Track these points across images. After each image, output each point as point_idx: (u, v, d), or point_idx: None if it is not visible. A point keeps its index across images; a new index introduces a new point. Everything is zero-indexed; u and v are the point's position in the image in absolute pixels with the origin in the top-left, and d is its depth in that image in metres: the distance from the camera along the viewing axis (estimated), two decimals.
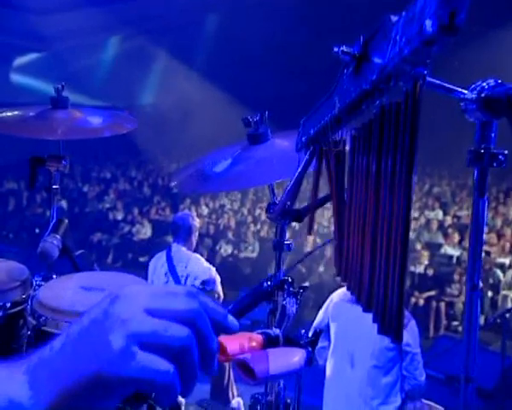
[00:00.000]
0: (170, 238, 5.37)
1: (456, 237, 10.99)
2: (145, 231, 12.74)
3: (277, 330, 1.76)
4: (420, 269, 9.97)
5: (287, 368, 1.61)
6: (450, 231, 11.43)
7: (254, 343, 1.69)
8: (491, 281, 9.52)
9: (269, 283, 0.86)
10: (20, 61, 17.92)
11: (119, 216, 13.58)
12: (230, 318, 0.80)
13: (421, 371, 3.60)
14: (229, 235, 12.07)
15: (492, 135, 1.15)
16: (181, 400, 4.62)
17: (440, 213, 12.95)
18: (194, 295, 0.75)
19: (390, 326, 1.04)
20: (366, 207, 1.17)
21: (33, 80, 16.87)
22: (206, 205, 13.90)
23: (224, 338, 1.73)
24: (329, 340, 3.74)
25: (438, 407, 3.93)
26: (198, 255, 5.15)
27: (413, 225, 11.91)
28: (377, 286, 1.09)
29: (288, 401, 2.02)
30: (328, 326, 3.73)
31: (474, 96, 1.13)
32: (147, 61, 18.29)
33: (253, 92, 13.50)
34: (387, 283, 1.05)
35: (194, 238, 5.14)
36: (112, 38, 18.78)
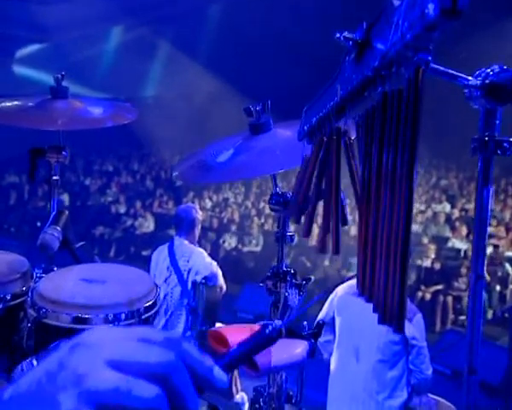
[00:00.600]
0: (173, 232, 5.36)
1: (464, 231, 10.91)
2: (148, 225, 12.73)
3: (279, 322, 1.75)
4: (427, 263, 9.90)
5: (289, 360, 1.60)
6: (457, 224, 11.35)
7: None
8: (499, 275, 9.47)
9: (271, 327, 0.82)
10: (22, 52, 17.88)
11: (122, 209, 13.57)
12: (217, 371, 0.67)
13: (427, 365, 3.57)
14: (233, 228, 12.05)
15: (497, 122, 1.14)
16: None
17: (448, 206, 12.89)
18: (172, 342, 0.64)
19: (391, 316, 1.02)
20: (368, 196, 1.15)
21: (35, 72, 16.84)
22: (210, 198, 13.89)
23: (224, 330, 1.73)
24: (334, 334, 3.72)
25: (445, 401, 3.91)
26: (200, 249, 5.13)
27: (420, 218, 11.86)
28: (379, 275, 1.07)
29: (291, 393, 2.01)
30: (332, 320, 3.71)
31: (478, 82, 1.11)
32: (149, 52, 18.23)
33: (256, 83, 13.45)
34: (389, 272, 1.03)
35: (197, 231, 5.12)
36: (114, 28, 18.72)
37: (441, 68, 1.12)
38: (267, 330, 0.88)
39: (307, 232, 1.49)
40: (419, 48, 0.95)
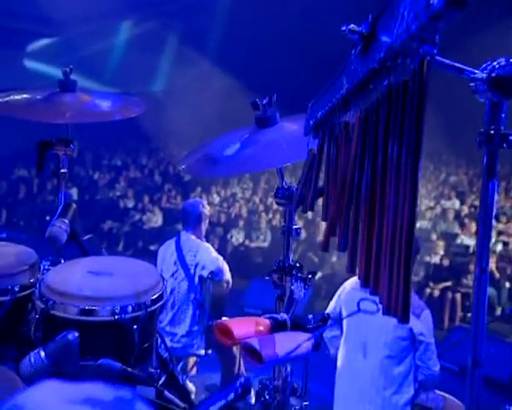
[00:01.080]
0: (180, 226, 5.36)
1: (473, 227, 10.78)
2: (156, 220, 12.77)
3: (285, 315, 1.76)
4: (435, 259, 9.84)
5: (294, 352, 1.61)
6: (466, 220, 11.27)
7: (261, 327, 1.70)
8: (508, 272, 9.41)
9: (243, 379, 0.78)
10: (31, 46, 17.95)
11: (130, 204, 13.61)
12: None
13: (434, 361, 3.55)
14: (241, 224, 12.06)
15: (503, 115, 1.14)
16: (191, 388, 4.64)
17: (457, 203, 12.82)
18: (123, 403, 0.57)
19: (396, 307, 1.02)
20: (373, 187, 1.15)
21: (44, 66, 16.91)
22: (218, 193, 13.90)
23: (230, 322, 1.73)
24: (341, 329, 3.71)
25: (452, 398, 3.90)
26: (207, 244, 5.13)
27: (429, 214, 11.82)
28: (383, 267, 1.07)
29: (295, 385, 2.02)
30: (340, 315, 3.70)
31: (484, 75, 1.11)
32: (158, 46, 18.25)
33: (264, 78, 13.44)
34: (393, 263, 1.03)
35: (204, 226, 5.12)
36: (122, 23, 18.74)
37: (447, 61, 1.12)
38: (230, 397, 0.81)
39: (326, 246, 1.48)
40: (424, 39, 0.96)
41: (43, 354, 1.87)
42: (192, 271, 4.86)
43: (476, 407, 1.19)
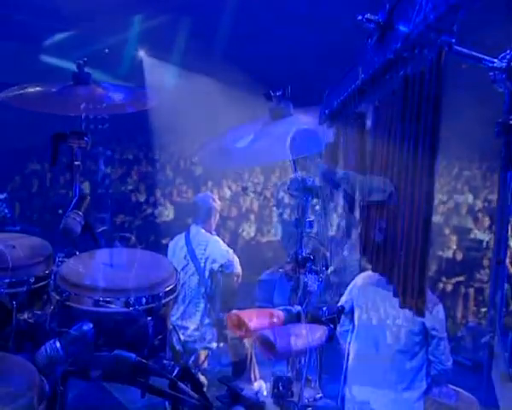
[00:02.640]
0: (191, 220, 5.35)
1: (487, 222, 10.73)
2: (167, 213, 12.80)
3: (299, 307, 1.76)
4: (448, 254, 9.76)
5: (308, 344, 1.61)
6: (480, 215, 11.18)
7: (275, 319, 1.70)
8: None
9: None
10: (46, 41, 17.99)
11: (142, 198, 13.64)
12: None
13: (447, 356, 3.53)
14: (252, 218, 12.04)
15: None
16: (203, 380, 4.65)
17: (470, 197, 12.72)
18: None
19: (412, 300, 1.02)
20: (389, 179, 1.15)
21: (58, 60, 16.94)
22: (229, 188, 13.89)
23: (244, 313, 1.74)
24: (353, 323, 3.70)
25: (464, 392, 3.87)
26: (217, 238, 5.12)
27: (441, 208, 11.73)
28: (399, 259, 1.07)
29: (310, 377, 2.02)
30: (351, 309, 3.69)
31: (503, 64, 1.10)
32: (170, 40, 18.21)
33: (277, 73, 13.38)
34: (409, 256, 1.03)
35: (214, 220, 5.10)
36: (134, 17, 18.71)
37: (465, 51, 1.11)
38: None
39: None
40: (442, 29, 0.95)
41: (58, 344, 1.89)
42: (202, 264, 4.86)
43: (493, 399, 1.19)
